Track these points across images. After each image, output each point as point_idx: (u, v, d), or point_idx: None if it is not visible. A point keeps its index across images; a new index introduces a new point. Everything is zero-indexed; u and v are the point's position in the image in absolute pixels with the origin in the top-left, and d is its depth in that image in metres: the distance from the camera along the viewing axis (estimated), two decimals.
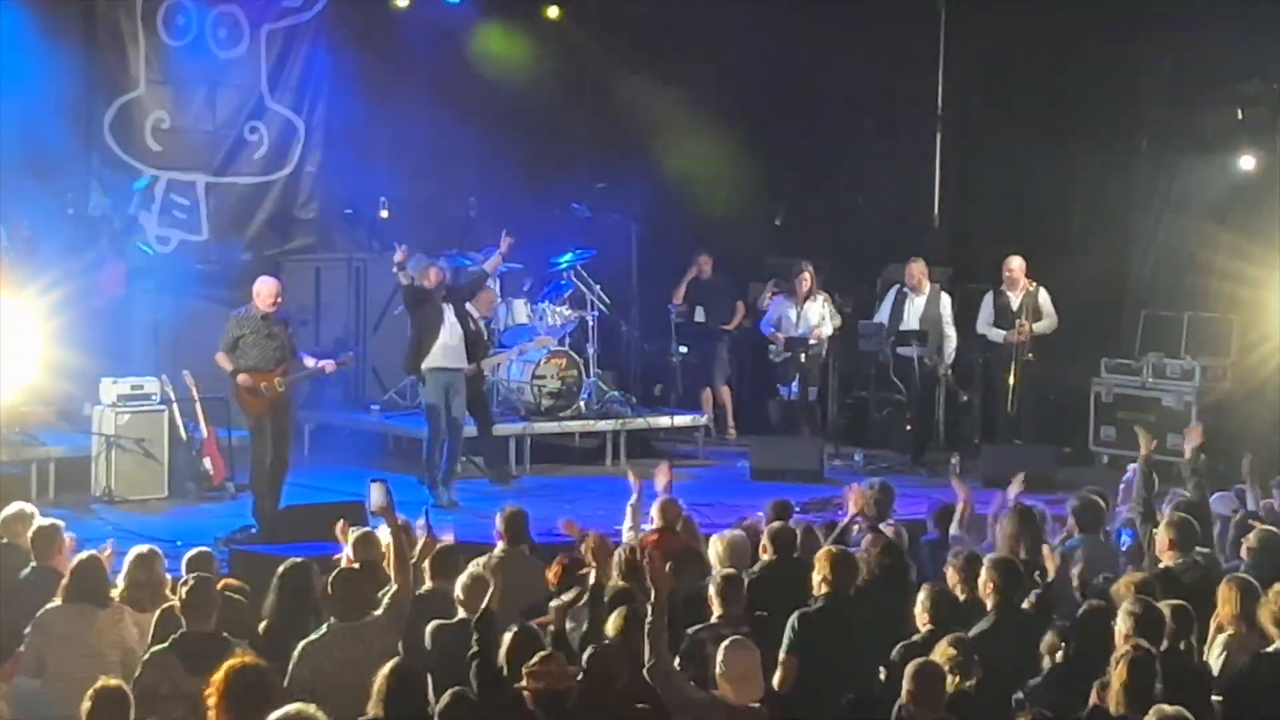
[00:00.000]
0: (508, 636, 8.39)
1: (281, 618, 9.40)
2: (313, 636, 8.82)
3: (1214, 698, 8.62)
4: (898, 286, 17.96)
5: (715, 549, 10.69)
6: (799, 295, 18.17)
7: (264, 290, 14.41)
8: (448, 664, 8.70)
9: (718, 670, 8.25)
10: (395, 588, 9.08)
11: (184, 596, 8.81)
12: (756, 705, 8.20)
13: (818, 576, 9.51)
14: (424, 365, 15.58)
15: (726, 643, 8.35)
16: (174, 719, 8.18)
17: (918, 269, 17.89)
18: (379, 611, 8.95)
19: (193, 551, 10.28)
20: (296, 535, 12.58)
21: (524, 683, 8.03)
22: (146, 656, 8.76)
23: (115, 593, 9.78)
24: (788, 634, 9.18)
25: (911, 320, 17.75)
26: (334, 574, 9.11)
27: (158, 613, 9.28)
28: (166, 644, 8.69)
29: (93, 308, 16.48)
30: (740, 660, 8.23)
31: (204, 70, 18.06)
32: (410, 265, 15.75)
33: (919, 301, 17.80)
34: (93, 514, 14.66)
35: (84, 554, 9.82)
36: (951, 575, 9.95)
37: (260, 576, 10.37)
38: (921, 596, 9.41)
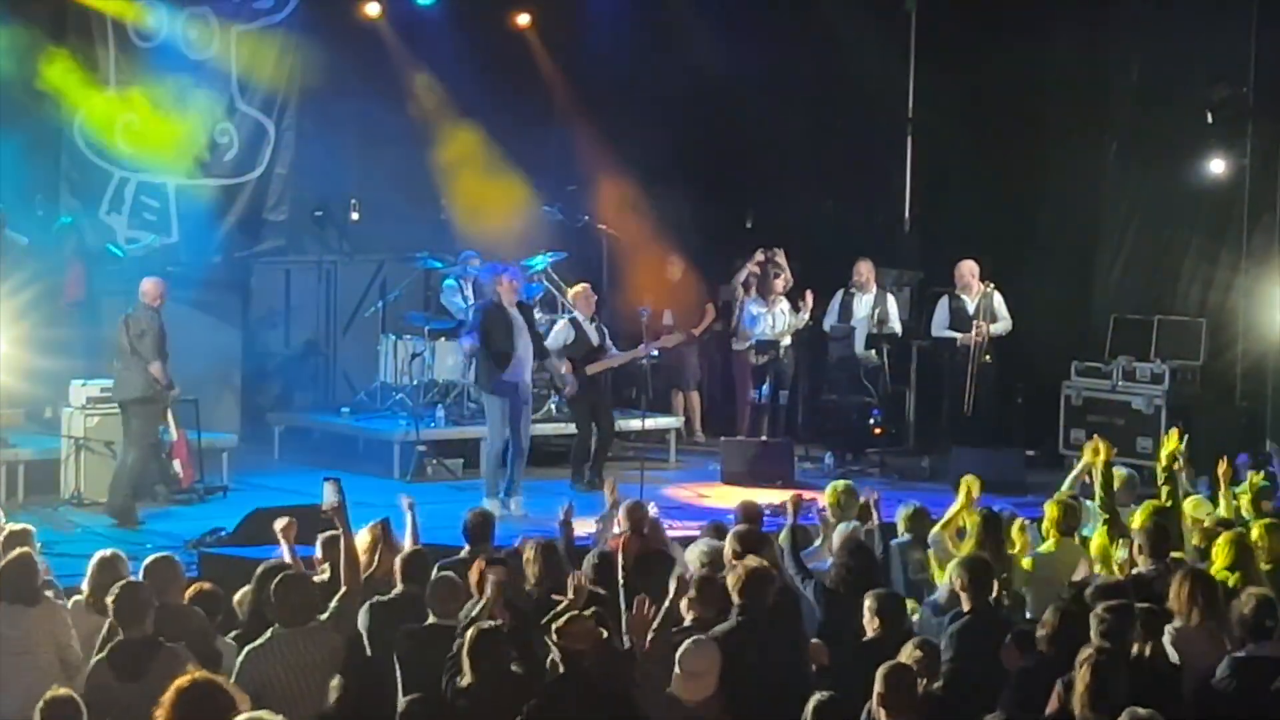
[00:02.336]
0: (469, 635, 8.33)
1: (259, 619, 9.32)
2: (256, 642, 8.67)
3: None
4: (843, 289, 18.01)
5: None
6: (773, 296, 18.19)
7: (161, 290, 14.77)
8: (418, 667, 8.69)
9: (675, 668, 8.27)
10: (344, 589, 8.95)
11: (112, 605, 8.66)
12: (706, 699, 8.22)
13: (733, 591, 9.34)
14: (500, 378, 15.14)
15: (688, 641, 8.39)
16: None
17: (865, 267, 18.00)
18: (324, 615, 8.79)
19: (152, 557, 9.80)
20: (267, 537, 12.52)
21: (553, 639, 8.11)
22: (88, 668, 8.67)
23: (80, 596, 9.69)
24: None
25: (861, 319, 17.84)
26: (276, 580, 8.90)
27: (108, 620, 8.98)
28: (103, 654, 8.59)
29: (61, 309, 16.42)
30: (695, 658, 8.25)
31: (175, 72, 17.99)
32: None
33: (866, 299, 17.89)
34: (62, 517, 14.58)
35: (15, 552, 9.53)
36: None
37: (230, 579, 10.33)
38: (868, 601, 9.36)
